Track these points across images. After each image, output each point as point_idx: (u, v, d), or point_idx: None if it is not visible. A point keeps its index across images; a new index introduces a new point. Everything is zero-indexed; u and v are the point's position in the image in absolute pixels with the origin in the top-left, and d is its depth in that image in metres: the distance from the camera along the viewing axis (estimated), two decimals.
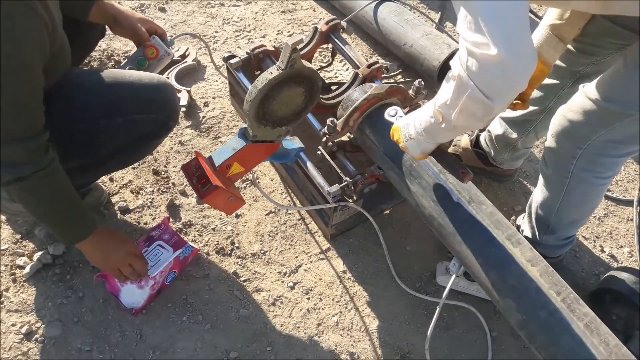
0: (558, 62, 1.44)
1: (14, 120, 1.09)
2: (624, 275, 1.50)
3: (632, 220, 1.89)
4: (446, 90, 1.02)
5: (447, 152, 1.30)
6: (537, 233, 1.55)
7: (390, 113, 1.45)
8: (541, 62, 1.23)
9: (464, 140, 1.87)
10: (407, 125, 1.23)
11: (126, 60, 1.62)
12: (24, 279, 1.54)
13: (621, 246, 1.82)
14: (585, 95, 1.26)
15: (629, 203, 1.94)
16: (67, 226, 1.31)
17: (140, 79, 1.38)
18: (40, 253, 1.57)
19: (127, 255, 1.42)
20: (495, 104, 0.94)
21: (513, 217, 1.73)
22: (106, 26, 1.55)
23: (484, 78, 0.92)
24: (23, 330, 1.45)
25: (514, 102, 1.20)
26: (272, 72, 1.18)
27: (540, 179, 1.49)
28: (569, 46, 1.38)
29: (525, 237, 1.58)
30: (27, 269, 1.54)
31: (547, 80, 1.51)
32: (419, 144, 1.22)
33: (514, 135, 1.67)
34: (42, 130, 1.15)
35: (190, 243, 1.59)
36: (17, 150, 1.12)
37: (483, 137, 1.82)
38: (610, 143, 1.26)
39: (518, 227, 1.67)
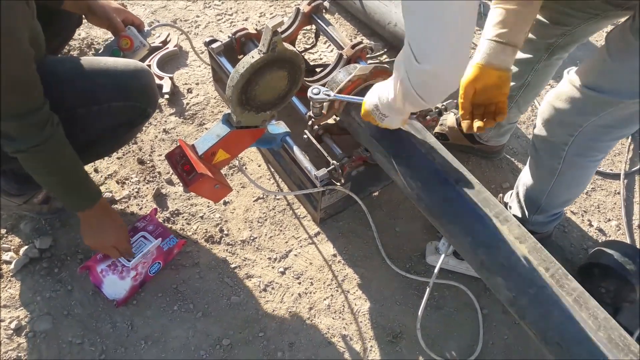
0: (530, 35, 1.42)
1: (8, 96, 1.08)
2: (611, 249, 1.52)
3: (619, 193, 1.90)
4: (392, 88, 1.14)
5: None
6: (526, 213, 1.55)
7: (313, 91, 1.43)
8: (494, 68, 1.16)
9: (450, 120, 1.86)
10: (375, 108, 1.29)
11: (101, 50, 1.58)
12: (11, 274, 1.52)
13: (609, 220, 1.83)
14: (572, 83, 1.23)
15: (616, 177, 1.95)
16: (70, 195, 1.32)
17: (115, 65, 1.35)
18: (26, 247, 1.55)
19: (119, 240, 1.44)
20: (430, 104, 1.10)
21: (500, 195, 1.74)
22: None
23: (421, 87, 1.03)
24: (12, 325, 1.43)
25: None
26: (253, 56, 1.15)
27: (530, 162, 1.47)
28: (540, 17, 1.35)
29: (514, 215, 1.58)
30: (14, 264, 1.52)
31: (522, 55, 1.49)
32: (394, 118, 1.29)
33: None
34: (39, 106, 1.14)
35: (176, 234, 1.58)
36: (13, 126, 1.12)
37: None
38: (602, 128, 1.24)
39: (506, 205, 1.67)
